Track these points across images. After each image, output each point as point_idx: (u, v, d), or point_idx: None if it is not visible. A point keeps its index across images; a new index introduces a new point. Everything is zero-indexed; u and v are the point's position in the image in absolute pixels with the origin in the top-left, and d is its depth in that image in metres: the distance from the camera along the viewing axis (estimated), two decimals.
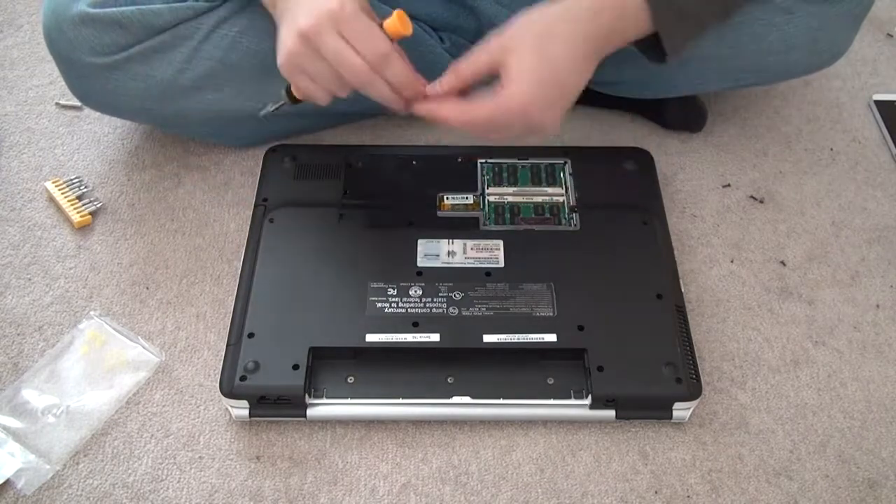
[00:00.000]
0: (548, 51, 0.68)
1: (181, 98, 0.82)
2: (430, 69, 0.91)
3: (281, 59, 0.70)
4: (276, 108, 0.76)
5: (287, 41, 0.69)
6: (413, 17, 0.89)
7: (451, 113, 0.71)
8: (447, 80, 0.71)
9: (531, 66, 0.68)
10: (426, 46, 0.89)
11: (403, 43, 0.90)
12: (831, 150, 0.96)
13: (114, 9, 0.76)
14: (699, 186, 0.91)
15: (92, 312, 0.78)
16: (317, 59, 0.68)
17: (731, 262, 0.85)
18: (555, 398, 0.71)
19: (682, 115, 0.96)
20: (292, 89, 0.73)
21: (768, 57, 0.83)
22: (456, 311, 0.74)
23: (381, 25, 0.69)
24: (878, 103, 1.01)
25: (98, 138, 0.94)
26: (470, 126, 0.71)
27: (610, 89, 0.94)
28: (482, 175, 0.86)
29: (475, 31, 0.91)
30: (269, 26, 0.82)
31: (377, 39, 0.68)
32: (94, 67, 0.78)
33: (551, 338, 0.72)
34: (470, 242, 0.79)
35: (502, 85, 0.68)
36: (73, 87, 0.83)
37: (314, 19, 0.67)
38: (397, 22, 0.69)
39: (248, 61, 0.82)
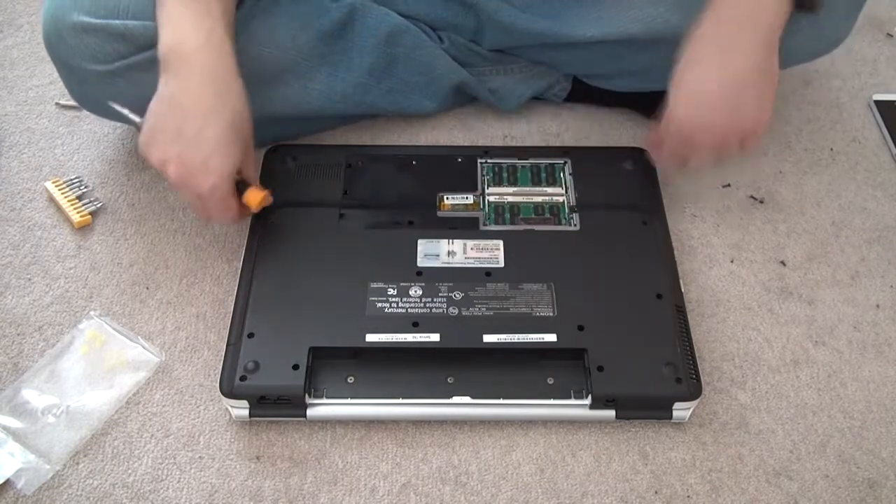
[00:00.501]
0: (691, 69, 0.74)
1: None
2: (428, 69, 0.92)
3: (141, 147, 0.72)
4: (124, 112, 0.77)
5: (151, 151, 0.71)
6: (412, 17, 0.89)
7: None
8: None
9: (683, 92, 0.75)
10: (425, 47, 0.89)
11: (404, 46, 0.91)
12: (831, 150, 0.96)
13: (116, 21, 0.76)
14: (699, 186, 0.91)
15: (92, 312, 0.78)
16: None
17: (731, 262, 0.85)
18: (555, 398, 0.71)
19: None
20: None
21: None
22: (456, 311, 0.74)
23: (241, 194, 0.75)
24: (878, 103, 1.01)
25: (98, 138, 0.94)
26: (671, 145, 0.78)
27: (609, 83, 0.94)
28: (482, 175, 0.86)
29: (474, 30, 0.91)
30: (268, 33, 0.81)
31: (231, 212, 0.74)
32: (94, 74, 0.78)
33: (551, 338, 0.72)
34: (470, 242, 0.79)
35: None
36: (74, 91, 0.83)
37: (180, 180, 0.70)
38: (258, 199, 0.75)
39: (249, 69, 0.81)
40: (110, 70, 0.78)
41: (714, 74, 0.73)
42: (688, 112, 0.75)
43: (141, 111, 0.82)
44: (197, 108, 0.70)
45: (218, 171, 0.70)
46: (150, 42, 0.77)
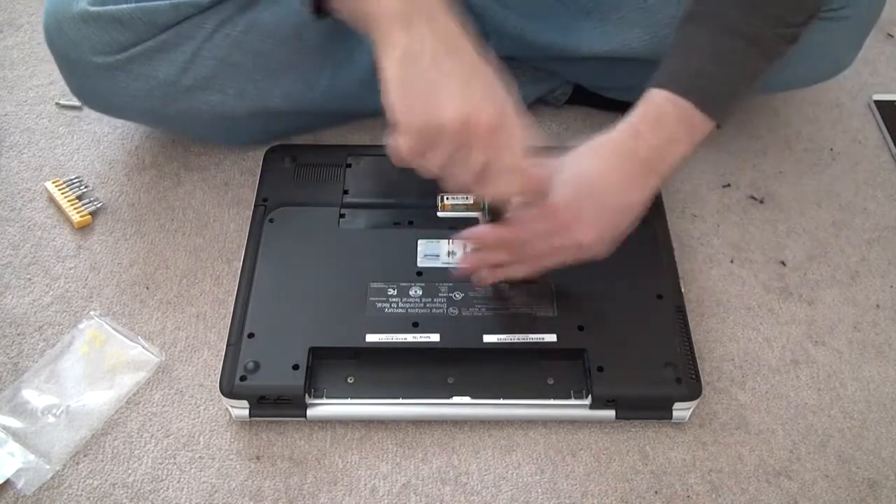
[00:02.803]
0: (582, 163, 0.68)
1: (183, 99, 0.81)
2: None
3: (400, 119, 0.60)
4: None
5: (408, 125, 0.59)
6: None
7: (482, 231, 0.69)
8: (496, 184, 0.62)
9: (565, 179, 0.67)
10: None
11: None
12: (831, 150, 0.96)
13: (115, 7, 0.76)
14: (699, 186, 0.91)
15: (92, 312, 0.78)
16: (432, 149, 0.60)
17: (731, 262, 0.85)
18: (555, 398, 0.71)
19: None
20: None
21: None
22: (456, 312, 0.74)
23: None
24: (878, 103, 1.01)
25: (98, 138, 0.94)
26: (506, 241, 0.69)
27: (612, 93, 0.94)
28: None
29: (479, 35, 0.91)
30: (273, 26, 0.81)
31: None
32: (95, 67, 0.78)
33: (551, 338, 0.72)
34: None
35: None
36: (74, 87, 0.82)
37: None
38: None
39: (251, 61, 0.81)
40: (111, 63, 0.77)
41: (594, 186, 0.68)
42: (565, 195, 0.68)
43: (142, 110, 0.83)
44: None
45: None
46: (149, 30, 0.77)
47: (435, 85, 0.58)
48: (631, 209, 0.68)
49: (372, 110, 0.93)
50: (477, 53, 0.60)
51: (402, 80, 0.58)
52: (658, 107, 0.68)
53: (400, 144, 0.60)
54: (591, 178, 0.67)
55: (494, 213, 0.69)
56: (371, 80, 0.88)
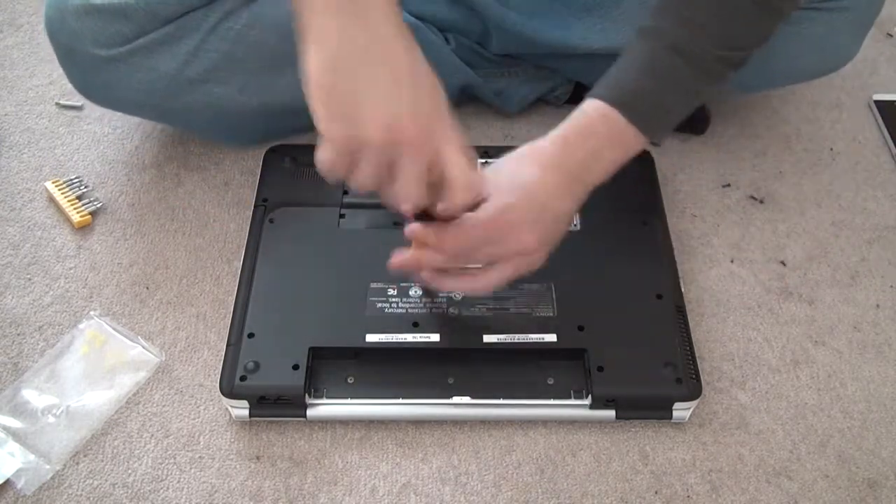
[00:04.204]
0: (519, 170, 0.67)
1: (185, 92, 0.81)
2: (434, 66, 0.91)
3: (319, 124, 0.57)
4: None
5: (331, 135, 0.56)
6: (419, 18, 0.89)
7: (424, 232, 0.65)
8: (419, 195, 0.59)
9: (502, 185, 0.65)
10: (432, 47, 0.89)
11: None
12: (831, 150, 0.96)
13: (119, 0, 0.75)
14: (699, 186, 0.91)
15: (92, 312, 0.78)
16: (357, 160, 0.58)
17: (731, 262, 0.85)
18: (555, 398, 0.71)
19: (686, 119, 0.96)
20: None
21: (775, 63, 0.82)
22: (456, 312, 0.74)
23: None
24: (878, 103, 1.01)
25: (98, 138, 0.94)
26: (446, 247, 0.65)
27: None
28: None
29: (481, 32, 0.91)
30: (276, 19, 0.81)
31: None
32: (97, 59, 0.77)
33: (551, 338, 0.72)
34: None
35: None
36: (75, 80, 0.82)
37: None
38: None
39: (255, 55, 0.81)
40: (113, 55, 0.77)
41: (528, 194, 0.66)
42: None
43: (144, 103, 0.82)
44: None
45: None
46: (152, 22, 0.77)
47: (358, 95, 0.55)
48: (565, 217, 0.68)
49: None
50: (409, 52, 0.57)
51: (325, 86, 0.55)
52: (589, 118, 0.68)
53: (323, 157, 0.57)
54: (529, 185, 0.66)
55: (424, 214, 0.64)
56: None
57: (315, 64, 0.55)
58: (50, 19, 0.78)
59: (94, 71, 0.79)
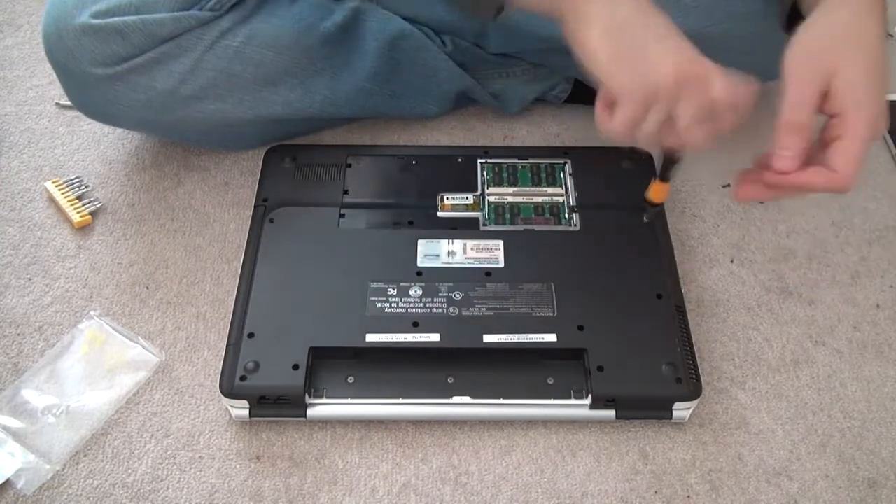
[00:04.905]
0: (870, 55, 0.63)
1: (182, 108, 0.81)
2: (432, 73, 0.92)
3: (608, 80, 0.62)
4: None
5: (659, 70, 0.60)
6: (415, 21, 0.89)
7: (819, 179, 0.63)
8: (794, 142, 0.63)
9: (861, 78, 0.62)
10: (428, 49, 0.89)
11: (407, 50, 0.90)
12: None
13: (115, 18, 0.75)
14: (699, 186, 0.91)
15: (92, 312, 0.78)
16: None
17: (731, 262, 0.85)
18: (555, 398, 0.71)
19: None
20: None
21: (776, 60, 0.82)
22: (456, 311, 0.74)
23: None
24: None
25: (98, 138, 0.94)
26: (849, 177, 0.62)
27: None
28: (482, 175, 0.86)
29: (478, 33, 0.91)
30: (272, 36, 0.81)
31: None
32: (94, 78, 0.78)
33: (551, 338, 0.72)
34: (470, 242, 0.79)
35: (839, 111, 0.62)
36: (73, 96, 0.82)
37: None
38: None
39: (251, 71, 0.81)
40: (110, 74, 0.77)
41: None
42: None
43: (140, 120, 0.83)
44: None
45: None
46: (149, 42, 0.77)
47: (641, 50, 0.61)
48: (880, 43, 0.64)
49: (372, 115, 0.93)
50: (663, 14, 0.63)
51: (611, 51, 0.61)
52: None
53: (618, 118, 0.62)
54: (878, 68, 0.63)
55: (669, 157, 0.69)
56: (370, 86, 0.89)
57: (597, 37, 0.62)
58: (48, 36, 0.78)
59: (91, 89, 0.79)
